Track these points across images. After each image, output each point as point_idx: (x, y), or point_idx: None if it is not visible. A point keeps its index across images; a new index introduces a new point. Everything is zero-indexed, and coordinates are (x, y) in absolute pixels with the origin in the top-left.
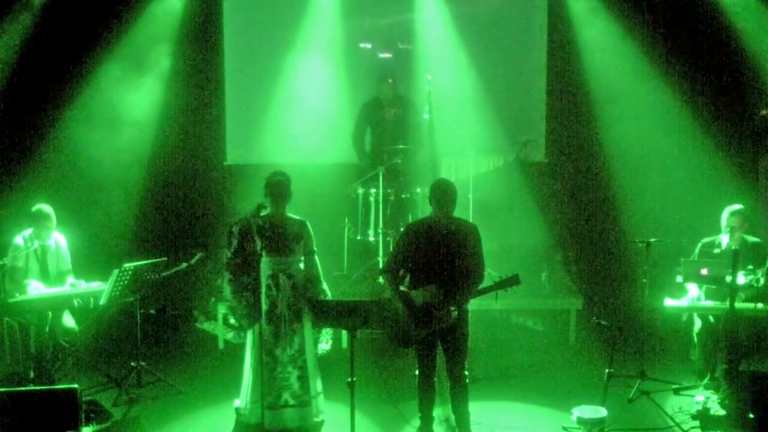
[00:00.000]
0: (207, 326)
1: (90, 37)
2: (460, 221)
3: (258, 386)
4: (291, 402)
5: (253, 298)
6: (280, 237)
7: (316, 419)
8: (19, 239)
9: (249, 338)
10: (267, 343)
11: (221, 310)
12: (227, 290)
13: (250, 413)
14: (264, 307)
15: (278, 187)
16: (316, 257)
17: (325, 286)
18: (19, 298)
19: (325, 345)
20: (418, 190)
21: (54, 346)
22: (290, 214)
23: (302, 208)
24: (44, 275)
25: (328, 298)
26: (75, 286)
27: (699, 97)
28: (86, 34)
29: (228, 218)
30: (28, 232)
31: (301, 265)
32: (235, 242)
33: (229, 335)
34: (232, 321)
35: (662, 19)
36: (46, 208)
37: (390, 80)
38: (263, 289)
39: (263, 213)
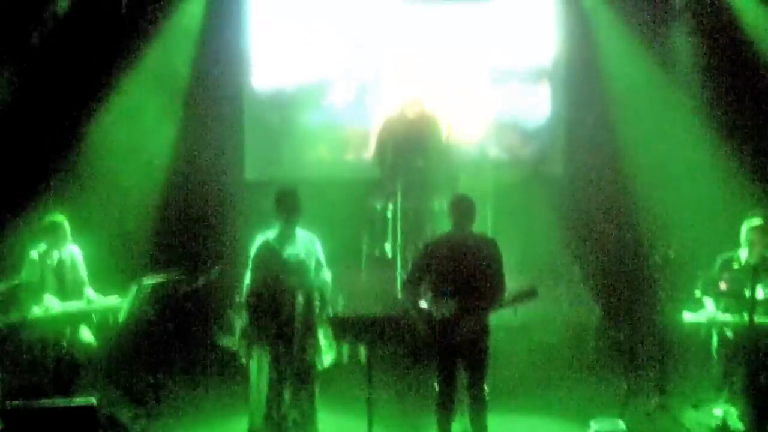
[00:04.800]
0: (226, 341)
1: (109, 52)
2: (478, 236)
3: (264, 403)
4: (299, 420)
5: (265, 315)
6: (293, 255)
7: None
8: (33, 254)
9: (254, 355)
10: (276, 360)
11: (239, 324)
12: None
13: (257, 429)
14: (277, 324)
15: (292, 204)
16: (325, 271)
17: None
18: (37, 313)
19: (327, 359)
20: (437, 204)
21: (72, 362)
22: (299, 230)
23: (320, 222)
24: (61, 289)
25: (334, 311)
26: (91, 302)
27: (720, 106)
28: (106, 49)
29: (246, 234)
30: (43, 246)
31: (313, 282)
32: (254, 262)
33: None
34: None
35: (682, 27)
36: (59, 218)
37: (418, 96)
38: (278, 307)
39: (274, 231)
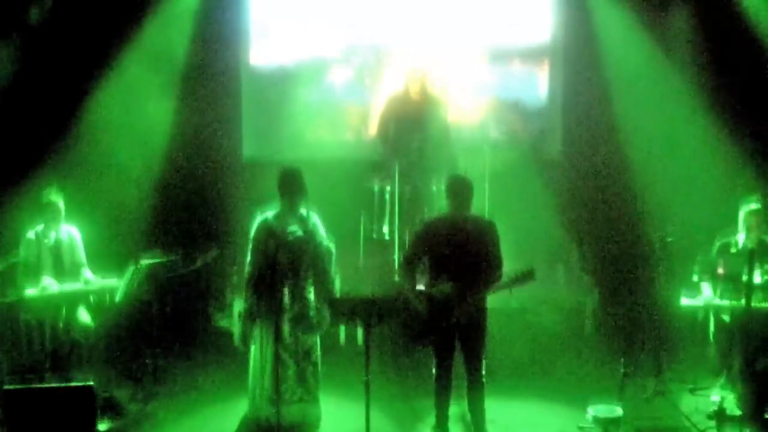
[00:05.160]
0: (223, 322)
1: (107, 31)
2: (476, 217)
3: (269, 381)
4: (306, 397)
5: (266, 294)
6: (292, 234)
7: (319, 413)
8: (31, 234)
9: (257, 333)
10: (279, 338)
11: (237, 306)
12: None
13: (259, 408)
14: (278, 302)
15: (296, 184)
16: (328, 244)
17: (332, 275)
18: (34, 294)
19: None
20: (435, 186)
21: (70, 342)
22: (301, 209)
23: (318, 203)
24: (58, 269)
25: (335, 286)
26: (89, 282)
27: (719, 89)
28: (103, 27)
29: (244, 214)
30: (40, 226)
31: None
32: (253, 242)
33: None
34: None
35: (681, 7)
36: (54, 197)
37: (420, 74)
38: (278, 286)
39: (273, 210)
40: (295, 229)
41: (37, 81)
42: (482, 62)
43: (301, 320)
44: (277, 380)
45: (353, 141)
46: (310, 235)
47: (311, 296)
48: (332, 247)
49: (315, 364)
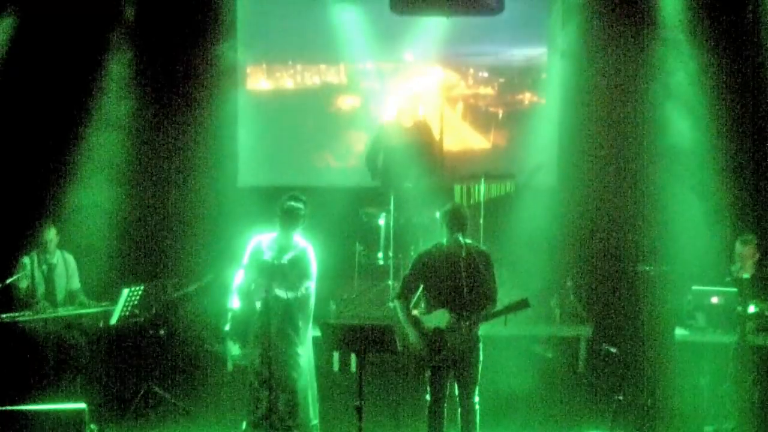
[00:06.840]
0: (216, 348)
1: (100, 53)
2: (471, 246)
3: (250, 407)
4: (277, 426)
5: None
6: (278, 262)
7: None
8: (25, 258)
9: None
10: (255, 365)
11: (228, 329)
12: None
13: None
14: (256, 329)
15: (290, 213)
16: (309, 283)
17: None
18: (28, 317)
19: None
20: (429, 214)
21: (62, 365)
22: (298, 237)
23: (313, 230)
24: (52, 295)
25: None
26: (83, 306)
27: (715, 119)
28: (96, 48)
29: (240, 239)
30: (36, 252)
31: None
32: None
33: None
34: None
35: (678, 41)
36: (48, 225)
37: (414, 103)
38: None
39: (269, 234)
40: (281, 257)
41: (36, 100)
42: (481, 92)
43: (279, 349)
44: (257, 407)
45: (350, 169)
46: (291, 264)
47: (292, 327)
48: (313, 289)
49: (293, 393)
